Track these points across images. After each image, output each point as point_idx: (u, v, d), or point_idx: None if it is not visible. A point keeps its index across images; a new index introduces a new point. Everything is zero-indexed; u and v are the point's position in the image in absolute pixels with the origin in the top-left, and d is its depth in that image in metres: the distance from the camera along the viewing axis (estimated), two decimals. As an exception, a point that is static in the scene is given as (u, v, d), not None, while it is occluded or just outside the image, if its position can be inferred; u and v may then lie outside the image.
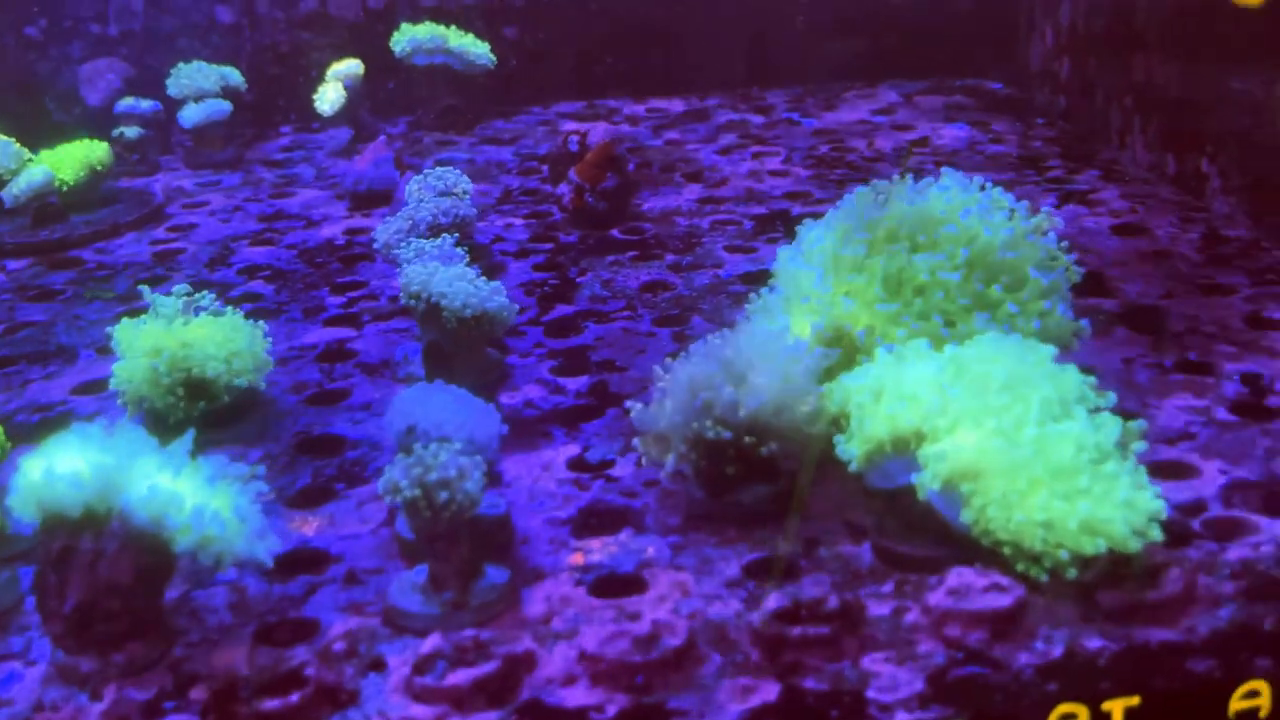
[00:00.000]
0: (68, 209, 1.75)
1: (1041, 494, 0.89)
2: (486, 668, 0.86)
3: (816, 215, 1.18)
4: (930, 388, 0.95)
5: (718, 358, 1.03)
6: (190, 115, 2.02)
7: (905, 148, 1.89)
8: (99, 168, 1.80)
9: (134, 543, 0.87)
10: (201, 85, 2.05)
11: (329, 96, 2.04)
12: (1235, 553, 0.95)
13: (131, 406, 1.18)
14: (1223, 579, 0.93)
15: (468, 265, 1.27)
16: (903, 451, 0.96)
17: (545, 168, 1.93)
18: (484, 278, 1.21)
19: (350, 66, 2.08)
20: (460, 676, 0.85)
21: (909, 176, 1.14)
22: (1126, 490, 0.89)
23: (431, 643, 0.88)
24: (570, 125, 2.07)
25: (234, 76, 2.10)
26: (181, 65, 2.08)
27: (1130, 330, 1.31)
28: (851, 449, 0.98)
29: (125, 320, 1.21)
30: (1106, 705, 0.84)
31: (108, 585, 0.87)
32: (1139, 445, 0.92)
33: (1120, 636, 0.89)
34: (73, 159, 1.76)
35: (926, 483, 0.93)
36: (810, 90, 2.37)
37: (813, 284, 1.07)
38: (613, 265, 1.60)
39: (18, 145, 1.73)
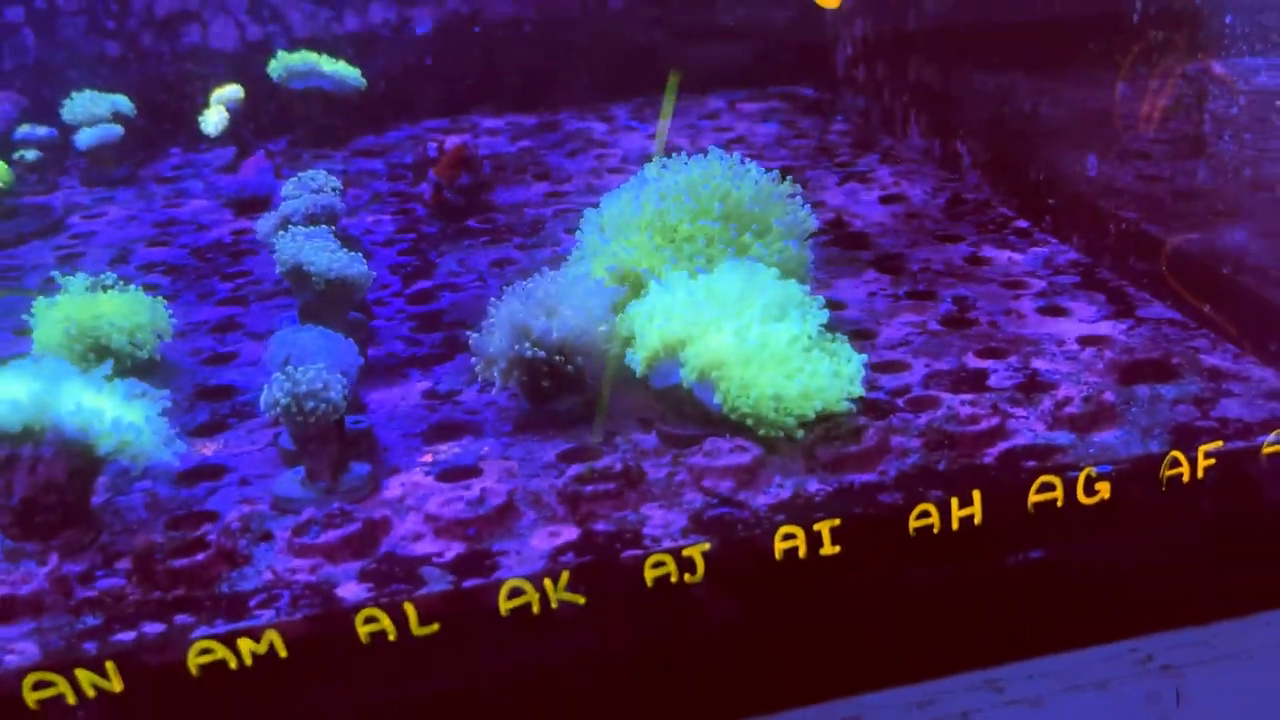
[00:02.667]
0: (-24, 223, 1.95)
1: (769, 374, 1.19)
2: (351, 528, 1.12)
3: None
4: (687, 306, 1.24)
5: (533, 296, 1.31)
6: (85, 138, 2.23)
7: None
8: (2, 185, 2.00)
9: (66, 449, 1.10)
10: (94, 111, 2.26)
11: (212, 119, 2.27)
12: (924, 418, 1.26)
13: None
14: (912, 436, 1.24)
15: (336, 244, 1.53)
16: (672, 356, 1.25)
17: (411, 174, 2.19)
18: (345, 250, 1.46)
19: (232, 91, 2.31)
20: (330, 536, 1.11)
21: (683, 153, 1.45)
22: (830, 366, 1.20)
23: (307, 513, 1.13)
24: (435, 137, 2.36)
25: (124, 104, 2.31)
26: (74, 94, 2.28)
27: (878, 272, 1.63)
28: (635, 359, 1.27)
29: (41, 298, 1.43)
30: (816, 526, 1.14)
31: (46, 484, 1.11)
32: (841, 337, 1.23)
33: (833, 481, 1.18)
34: (-22, 178, 1.96)
35: (687, 377, 1.22)
36: (651, 102, 2.68)
37: (601, 241, 1.36)
38: (467, 248, 1.87)
39: (-73, 166, 1.94)
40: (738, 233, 1.35)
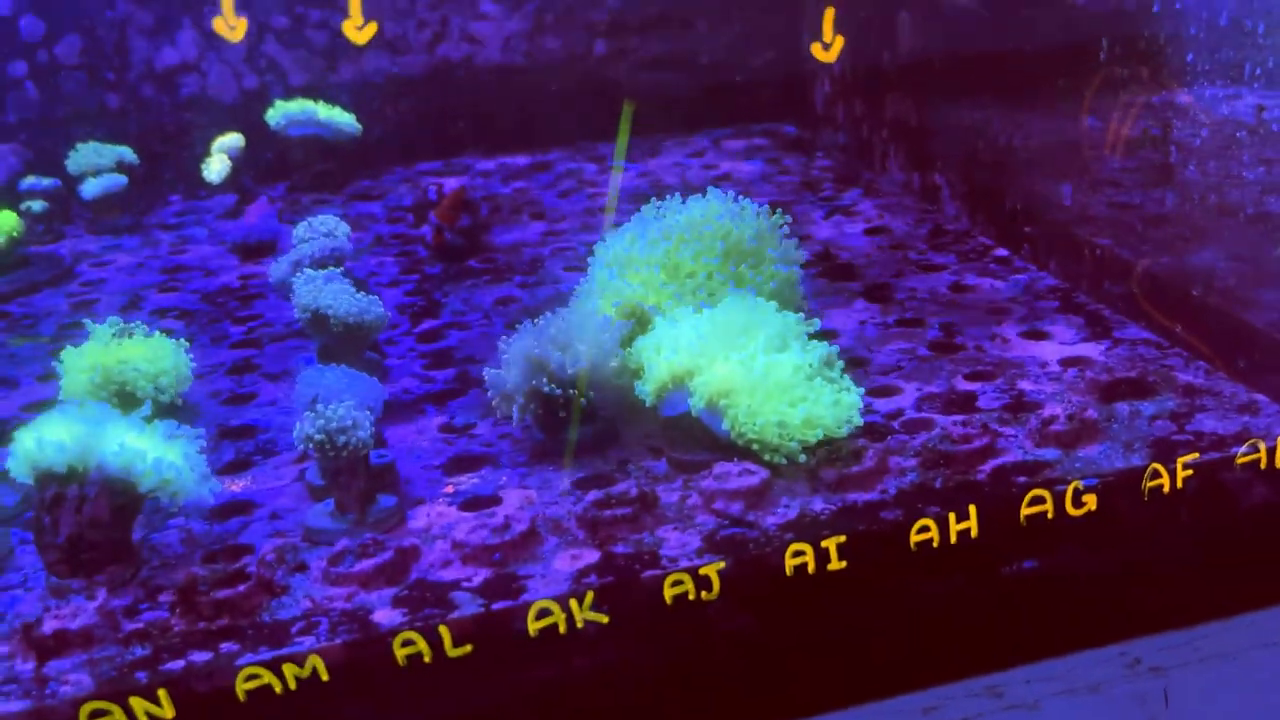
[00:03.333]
0: (-12, 272, 2.01)
1: (774, 402, 1.26)
2: (383, 557, 1.17)
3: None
4: (693, 339, 1.31)
5: (546, 333, 1.38)
6: (90, 188, 2.28)
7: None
8: (14, 235, 2.06)
9: (109, 487, 1.16)
10: (98, 162, 2.32)
11: (214, 167, 2.34)
12: (919, 439, 1.33)
13: (78, 414, 1.45)
14: (909, 456, 1.31)
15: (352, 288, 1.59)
16: (680, 386, 1.32)
17: (410, 216, 2.26)
18: (361, 293, 1.53)
19: (233, 139, 2.38)
20: (365, 565, 1.16)
21: (678, 194, 1.53)
22: (831, 395, 1.27)
23: (341, 544, 1.19)
24: (430, 180, 2.44)
25: (128, 154, 2.37)
26: (79, 145, 2.34)
27: (867, 301, 1.71)
28: (645, 390, 1.34)
29: (69, 347, 1.48)
30: (824, 543, 1.20)
31: (91, 521, 1.16)
32: (839, 364, 1.31)
33: (836, 500, 1.25)
34: (-9, 229, 2.02)
35: (695, 405, 1.29)
36: (637, 142, 2.76)
37: (608, 277, 1.43)
38: (470, 287, 1.94)
39: (-58, 219, 1.99)
40: (736, 265, 1.43)
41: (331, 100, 2.57)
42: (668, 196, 1.55)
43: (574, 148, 2.73)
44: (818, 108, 2.66)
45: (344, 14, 2.67)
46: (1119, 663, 1.31)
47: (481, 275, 1.98)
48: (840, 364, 1.31)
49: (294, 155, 2.54)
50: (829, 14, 1.23)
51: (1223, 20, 1.40)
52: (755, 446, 1.27)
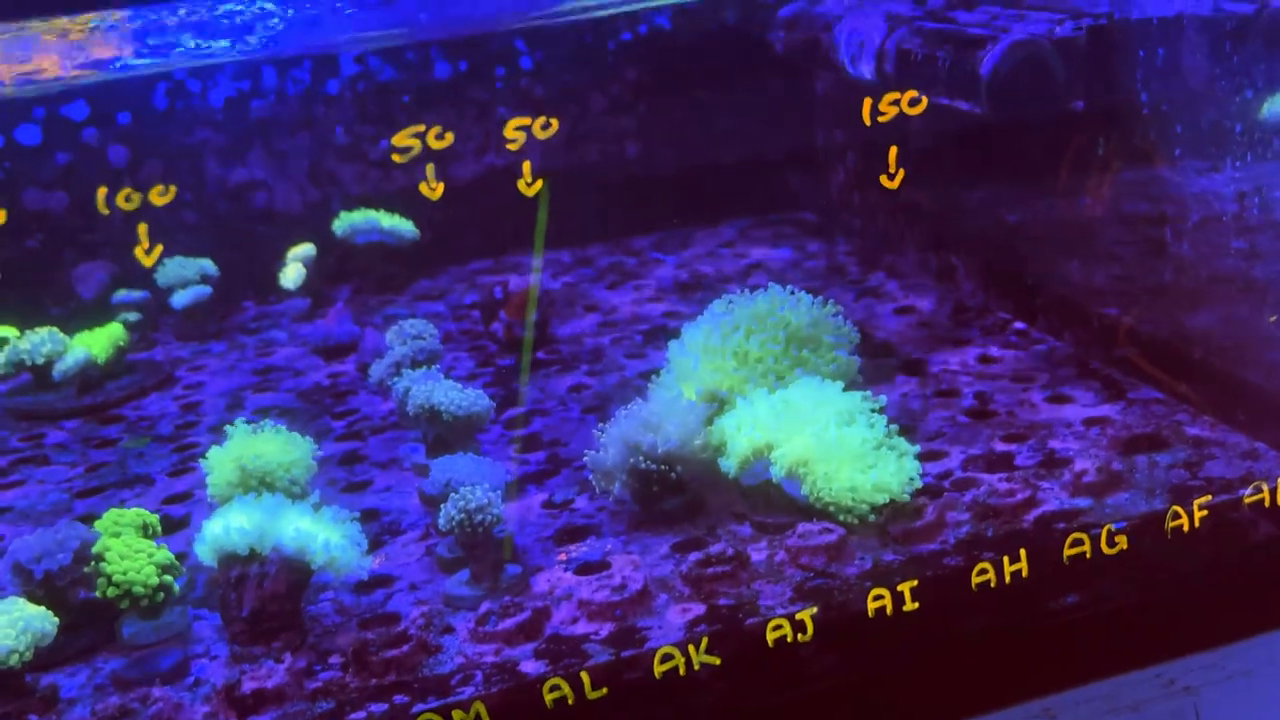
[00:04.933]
0: (103, 379, 2.21)
1: (846, 470, 1.46)
2: (522, 616, 1.36)
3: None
4: (770, 416, 1.52)
5: (638, 417, 1.58)
6: (180, 299, 2.50)
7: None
8: (121, 345, 2.26)
9: (286, 566, 1.35)
10: (184, 275, 2.53)
11: (291, 274, 2.56)
12: (969, 495, 1.53)
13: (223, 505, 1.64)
14: (962, 511, 1.51)
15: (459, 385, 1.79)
16: (760, 458, 1.52)
17: (475, 313, 2.48)
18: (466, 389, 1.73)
19: (306, 249, 2.60)
20: (507, 623, 1.35)
21: (745, 289, 1.75)
22: (894, 462, 1.47)
23: (485, 606, 1.38)
24: (486, 279, 2.66)
25: (209, 266, 2.59)
26: (166, 260, 2.56)
27: (905, 375, 1.93)
28: (729, 464, 1.54)
29: (214, 447, 1.67)
30: (900, 587, 1.39)
31: (270, 596, 1.35)
32: (896, 434, 1.51)
33: (904, 551, 1.45)
34: (102, 339, 2.22)
35: (776, 473, 1.49)
36: (669, 235, 2.99)
37: (691, 366, 1.64)
38: (543, 377, 2.14)
39: (60, 332, 2.20)
40: (797, 350, 1.64)
41: (387, 208, 2.80)
42: (726, 289, 1.76)
43: (610, 243, 2.96)
44: (833, 196, 2.90)
45: (393, 129, 2.93)
46: (1156, 683, 1.49)
47: (551, 366, 2.19)
48: (897, 434, 1.51)
49: (359, 261, 2.76)
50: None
51: (1205, 122, 1.64)
52: (831, 508, 1.47)
